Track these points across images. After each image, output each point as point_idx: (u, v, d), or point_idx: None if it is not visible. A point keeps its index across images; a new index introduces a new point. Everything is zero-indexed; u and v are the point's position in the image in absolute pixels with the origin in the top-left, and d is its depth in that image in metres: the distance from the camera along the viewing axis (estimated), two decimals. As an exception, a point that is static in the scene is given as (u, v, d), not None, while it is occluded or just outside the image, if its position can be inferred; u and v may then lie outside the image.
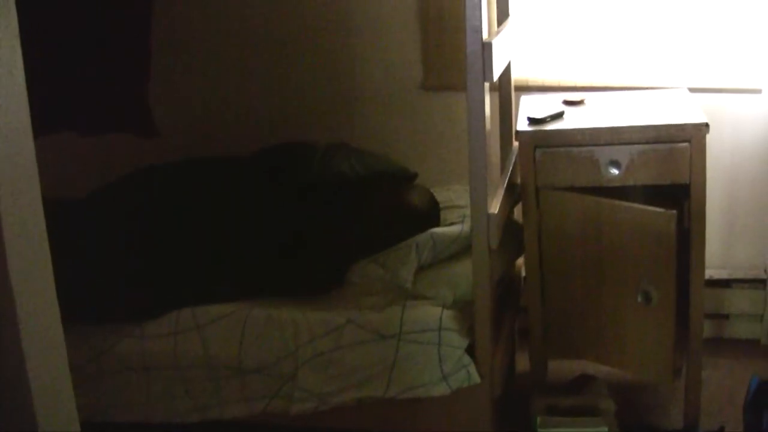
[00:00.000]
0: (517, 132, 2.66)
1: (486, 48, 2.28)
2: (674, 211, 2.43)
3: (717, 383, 3.05)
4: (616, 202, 2.54)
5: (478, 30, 2.25)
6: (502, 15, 2.90)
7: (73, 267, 2.23)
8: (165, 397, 2.58)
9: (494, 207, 2.42)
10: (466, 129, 2.32)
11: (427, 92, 3.40)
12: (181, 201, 2.76)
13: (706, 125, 2.54)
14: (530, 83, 3.32)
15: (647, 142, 2.56)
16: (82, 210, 2.83)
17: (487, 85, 2.32)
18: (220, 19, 3.51)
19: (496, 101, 3.07)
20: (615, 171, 2.59)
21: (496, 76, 2.34)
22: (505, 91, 3.09)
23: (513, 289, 3.00)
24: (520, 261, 2.97)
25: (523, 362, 3.04)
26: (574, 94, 2.99)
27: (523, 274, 2.96)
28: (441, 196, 3.01)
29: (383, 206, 2.72)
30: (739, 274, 3.33)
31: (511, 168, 2.82)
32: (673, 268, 2.46)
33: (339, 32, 3.41)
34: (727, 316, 3.35)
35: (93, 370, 2.60)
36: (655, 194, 2.63)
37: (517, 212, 2.76)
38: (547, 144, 2.61)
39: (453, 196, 3.04)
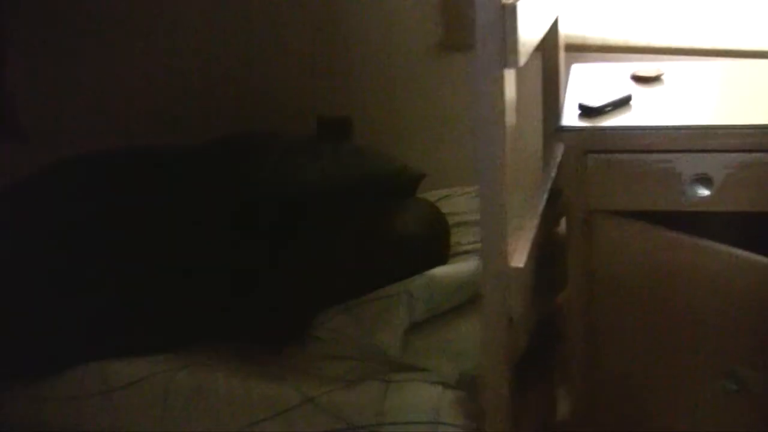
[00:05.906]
0: (561, 129, 1.86)
1: (508, 14, 1.46)
2: (795, 268, 1.62)
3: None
4: (702, 241, 1.75)
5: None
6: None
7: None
8: None
9: (519, 256, 1.61)
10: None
11: (447, 54, 2.64)
12: (90, 216, 2.06)
13: None
14: (588, 43, 2.51)
15: (751, 150, 1.77)
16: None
17: (511, 73, 1.50)
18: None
19: (538, 68, 2.28)
20: (704, 191, 1.79)
21: (523, 59, 1.51)
22: (552, 53, 2.28)
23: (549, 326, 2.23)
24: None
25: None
26: (647, 64, 2.18)
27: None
28: (460, 203, 2.24)
29: (360, 232, 1.94)
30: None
31: (555, 171, 2.03)
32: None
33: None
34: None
35: None
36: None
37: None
38: (604, 148, 1.84)
39: (476, 203, 2.23)
